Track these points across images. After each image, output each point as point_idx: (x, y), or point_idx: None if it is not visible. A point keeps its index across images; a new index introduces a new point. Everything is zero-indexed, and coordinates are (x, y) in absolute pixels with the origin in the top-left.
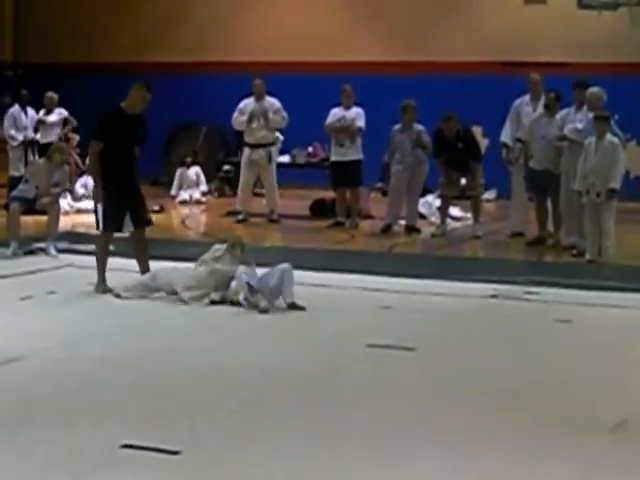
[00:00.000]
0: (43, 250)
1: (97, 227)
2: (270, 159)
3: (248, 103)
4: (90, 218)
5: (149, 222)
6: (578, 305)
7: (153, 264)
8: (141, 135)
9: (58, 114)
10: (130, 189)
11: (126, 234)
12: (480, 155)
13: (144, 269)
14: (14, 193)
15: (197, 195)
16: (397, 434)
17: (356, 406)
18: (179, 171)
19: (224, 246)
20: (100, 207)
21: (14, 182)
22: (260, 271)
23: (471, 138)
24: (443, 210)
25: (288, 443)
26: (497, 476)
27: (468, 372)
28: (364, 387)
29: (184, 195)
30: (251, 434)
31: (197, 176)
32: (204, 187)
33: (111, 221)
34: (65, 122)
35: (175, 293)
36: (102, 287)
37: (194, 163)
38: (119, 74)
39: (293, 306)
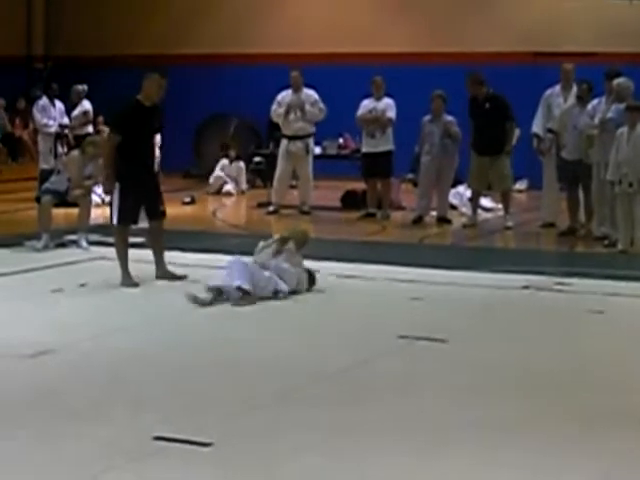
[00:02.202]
0: (74, 242)
1: (111, 221)
2: (308, 151)
3: (285, 95)
4: None
5: (163, 214)
6: (610, 296)
7: (182, 256)
8: (158, 125)
9: (81, 107)
10: (146, 182)
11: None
12: (511, 115)
13: (159, 260)
14: (46, 185)
15: (229, 187)
16: (431, 426)
17: (389, 398)
18: (221, 163)
19: (276, 237)
20: (115, 200)
21: (45, 175)
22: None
23: (502, 100)
24: (474, 201)
25: (320, 435)
26: (530, 467)
27: (500, 363)
28: (396, 378)
29: (226, 186)
30: (283, 426)
31: (238, 171)
32: (244, 186)
33: (126, 214)
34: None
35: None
36: (128, 281)
37: (237, 158)
38: (149, 67)
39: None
